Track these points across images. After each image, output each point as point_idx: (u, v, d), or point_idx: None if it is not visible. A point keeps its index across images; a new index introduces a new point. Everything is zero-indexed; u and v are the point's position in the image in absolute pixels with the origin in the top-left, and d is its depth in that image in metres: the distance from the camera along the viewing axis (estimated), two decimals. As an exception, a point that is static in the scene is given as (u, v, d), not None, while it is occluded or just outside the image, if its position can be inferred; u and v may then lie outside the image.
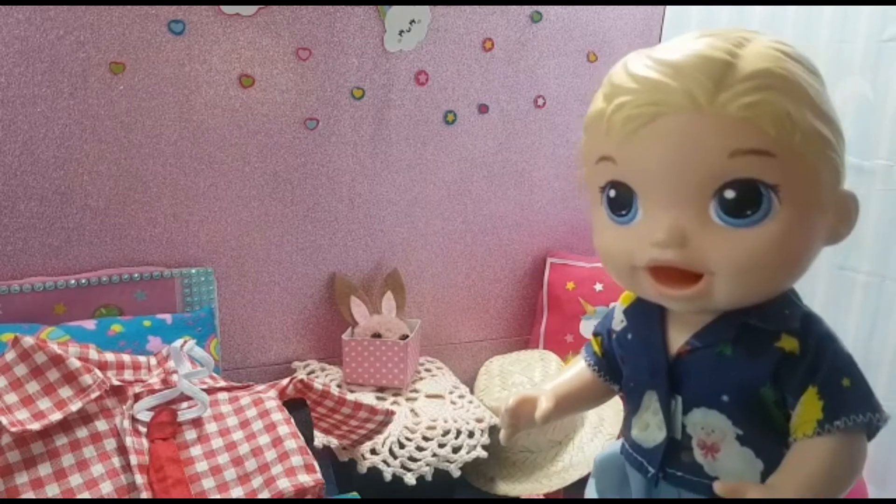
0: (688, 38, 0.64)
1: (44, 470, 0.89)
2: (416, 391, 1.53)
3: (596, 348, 0.84)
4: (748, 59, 0.60)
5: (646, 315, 0.74)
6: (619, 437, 0.82)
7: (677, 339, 0.71)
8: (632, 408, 0.77)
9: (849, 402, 0.64)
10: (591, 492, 0.86)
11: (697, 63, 0.60)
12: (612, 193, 0.67)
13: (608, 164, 0.66)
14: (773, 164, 0.59)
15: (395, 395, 1.50)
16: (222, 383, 1.12)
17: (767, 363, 0.66)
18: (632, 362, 0.77)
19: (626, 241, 0.67)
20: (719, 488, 0.64)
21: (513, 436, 0.79)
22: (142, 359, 1.10)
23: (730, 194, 0.60)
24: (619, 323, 0.80)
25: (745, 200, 0.60)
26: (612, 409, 1.47)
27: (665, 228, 0.63)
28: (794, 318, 0.67)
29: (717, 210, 0.61)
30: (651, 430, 0.73)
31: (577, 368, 0.85)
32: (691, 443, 0.70)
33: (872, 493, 1.38)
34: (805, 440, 0.64)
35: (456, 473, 1.34)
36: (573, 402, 0.83)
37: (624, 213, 0.66)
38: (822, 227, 0.64)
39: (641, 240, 0.65)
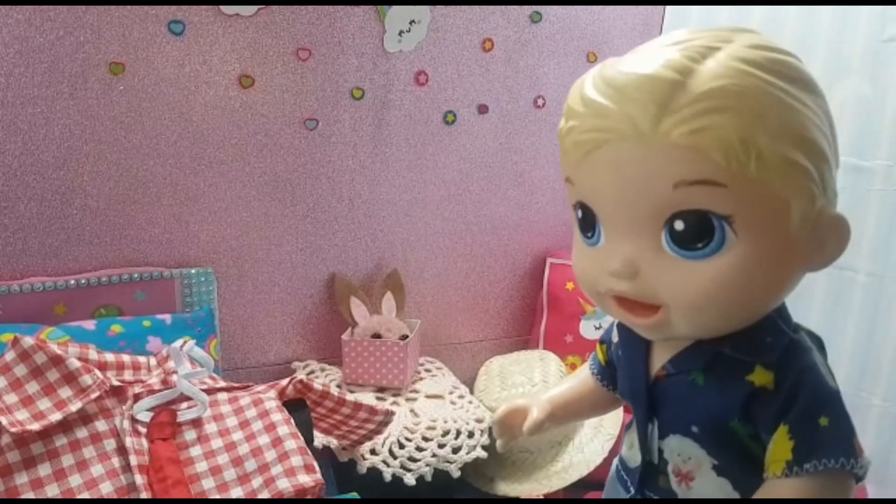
0: (653, 46, 0.59)
1: (43, 470, 0.89)
2: (415, 391, 1.53)
3: (601, 357, 0.82)
4: (702, 76, 0.54)
5: (633, 333, 0.70)
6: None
7: (657, 361, 0.68)
8: (629, 423, 0.75)
9: (823, 443, 0.58)
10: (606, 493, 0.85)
11: (643, 84, 0.55)
12: (580, 213, 0.65)
13: (570, 184, 0.65)
14: (725, 193, 0.54)
15: (395, 395, 1.50)
16: (222, 383, 1.12)
17: (737, 397, 0.61)
18: (620, 379, 0.76)
19: (592, 264, 0.64)
20: None
21: (508, 444, 0.79)
22: (141, 359, 1.09)
23: (679, 226, 0.56)
24: (615, 335, 0.78)
25: (694, 232, 0.56)
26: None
27: (619, 259, 0.60)
28: (774, 347, 0.61)
29: (668, 241, 0.57)
30: (634, 451, 0.72)
31: (582, 376, 0.84)
32: (667, 468, 0.68)
33: (872, 494, 1.38)
34: (774, 479, 0.60)
35: (456, 474, 1.34)
36: (575, 410, 0.82)
37: (590, 234, 0.64)
38: (793, 256, 0.58)
39: (602, 266, 0.62)
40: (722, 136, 0.53)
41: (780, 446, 0.60)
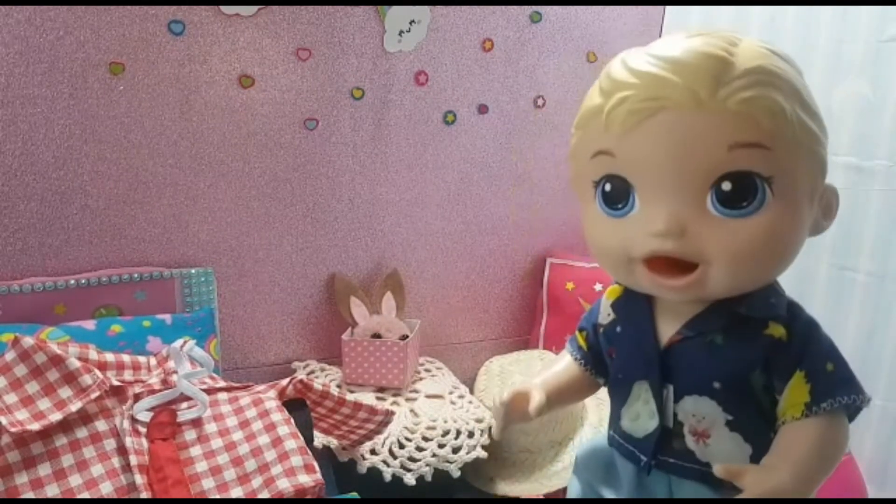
0: (680, 37, 0.66)
1: (43, 470, 0.89)
2: (415, 391, 1.53)
3: (581, 343, 0.85)
4: (743, 56, 0.62)
5: (635, 306, 0.76)
6: (609, 430, 0.83)
7: (667, 328, 0.73)
8: (619, 399, 0.78)
9: (834, 385, 0.67)
10: (573, 489, 0.86)
11: (698, 59, 0.62)
12: (608, 187, 0.68)
13: (606, 158, 0.67)
14: (768, 156, 0.62)
15: (395, 395, 1.50)
16: (222, 383, 1.12)
17: (758, 350, 0.68)
18: (622, 354, 0.79)
19: (622, 233, 0.68)
20: (720, 471, 0.65)
21: (505, 429, 0.80)
22: (142, 359, 1.09)
23: (727, 186, 0.63)
24: (605, 317, 0.81)
25: (741, 192, 0.62)
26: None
27: (664, 219, 0.64)
28: (780, 306, 0.69)
29: (714, 201, 0.63)
30: (642, 420, 0.74)
31: (564, 363, 0.86)
32: (683, 430, 0.72)
33: (872, 494, 1.38)
34: (793, 422, 0.67)
35: (456, 474, 1.34)
36: (563, 396, 0.85)
37: (620, 206, 0.68)
38: (808, 218, 0.67)
39: (639, 231, 0.66)
40: (769, 104, 0.61)
41: (797, 391, 0.67)
